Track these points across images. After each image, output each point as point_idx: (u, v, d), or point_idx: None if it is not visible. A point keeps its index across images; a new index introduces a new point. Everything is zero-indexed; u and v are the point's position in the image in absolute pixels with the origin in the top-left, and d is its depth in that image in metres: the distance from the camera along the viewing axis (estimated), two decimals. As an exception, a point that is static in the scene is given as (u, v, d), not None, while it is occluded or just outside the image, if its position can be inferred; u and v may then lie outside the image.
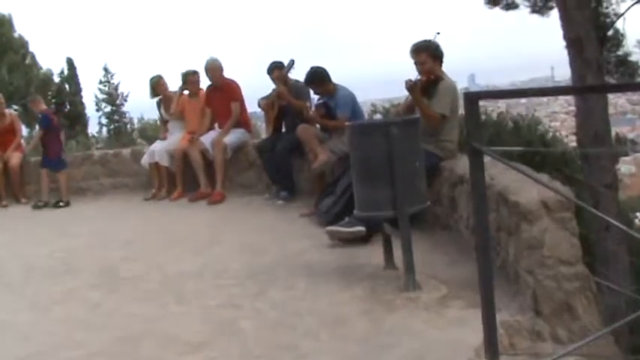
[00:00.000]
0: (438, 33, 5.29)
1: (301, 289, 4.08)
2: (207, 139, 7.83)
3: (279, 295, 4.03)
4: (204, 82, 8.14)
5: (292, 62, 7.03)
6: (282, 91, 7.07)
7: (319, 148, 6.41)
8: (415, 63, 5.41)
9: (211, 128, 8.16)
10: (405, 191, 3.84)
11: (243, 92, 8.03)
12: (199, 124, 8.08)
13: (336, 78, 6.70)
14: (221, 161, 7.67)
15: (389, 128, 3.85)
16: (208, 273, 4.67)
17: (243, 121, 8.01)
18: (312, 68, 6.62)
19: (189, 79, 8.22)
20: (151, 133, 12.68)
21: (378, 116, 6.97)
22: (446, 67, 5.49)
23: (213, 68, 7.87)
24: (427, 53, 5.31)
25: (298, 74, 7.09)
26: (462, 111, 5.92)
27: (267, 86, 7.57)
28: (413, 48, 5.40)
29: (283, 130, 7.49)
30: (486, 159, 2.57)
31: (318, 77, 6.57)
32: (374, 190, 3.94)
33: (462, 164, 4.93)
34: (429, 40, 5.36)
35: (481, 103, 2.67)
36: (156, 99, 8.65)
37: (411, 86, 5.20)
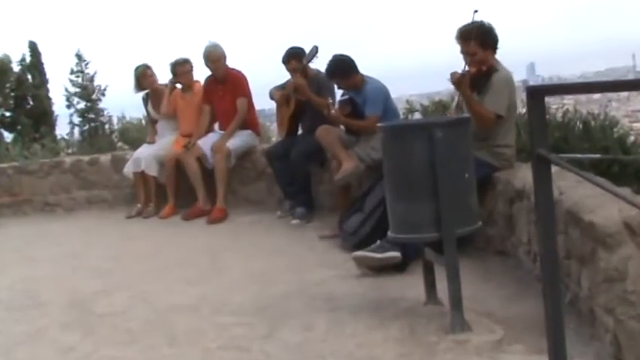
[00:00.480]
0: (476, 11, 5.27)
1: (322, 329, 4.09)
2: (205, 143, 7.90)
3: (295, 335, 4.04)
4: (203, 74, 8.23)
5: (315, 50, 7.01)
6: (301, 85, 7.08)
7: (344, 155, 6.42)
8: (462, 52, 5.43)
9: (211, 130, 8.23)
10: (451, 208, 3.85)
11: (251, 86, 8.10)
12: (196, 125, 8.16)
13: (364, 69, 6.74)
14: (223, 170, 7.73)
15: (431, 130, 3.86)
16: (207, 308, 4.69)
17: (250, 121, 8.07)
18: (334, 57, 6.62)
19: (179, 69, 8.30)
20: (135, 135, 12.72)
21: (416, 115, 6.95)
22: (500, 55, 5.51)
23: (215, 56, 7.93)
24: (477, 40, 5.32)
25: (320, 64, 7.10)
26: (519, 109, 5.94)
27: (282, 80, 7.62)
28: (459, 34, 5.41)
29: (300, 132, 7.54)
30: (552, 169, 2.57)
31: (342, 68, 6.58)
32: (412, 207, 3.95)
33: (520, 175, 4.94)
34: (479, 23, 5.36)
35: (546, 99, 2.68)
36: (141, 93, 8.74)
37: (457, 79, 5.21)
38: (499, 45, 5.47)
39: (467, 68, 5.31)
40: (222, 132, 8.05)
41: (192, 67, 8.33)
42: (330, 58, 6.65)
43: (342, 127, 6.77)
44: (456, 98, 5.78)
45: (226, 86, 7.95)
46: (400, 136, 4.08)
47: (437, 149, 3.82)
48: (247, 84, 8.06)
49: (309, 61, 7.09)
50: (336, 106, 6.68)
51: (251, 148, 8.08)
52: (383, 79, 6.76)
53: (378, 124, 4.45)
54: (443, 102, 8.16)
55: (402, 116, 7.47)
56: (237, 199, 8.03)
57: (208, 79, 8.16)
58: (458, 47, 5.45)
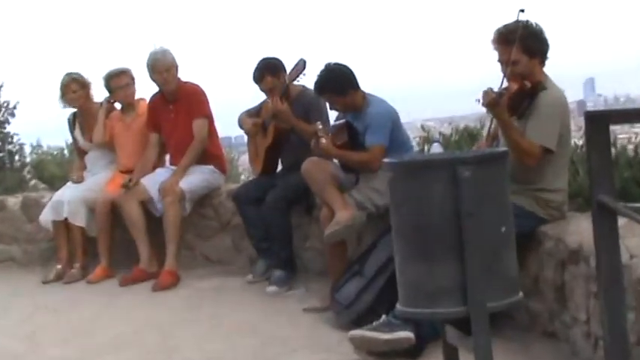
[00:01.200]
0: (522, 10, 5.28)
1: None
2: (152, 182, 7.86)
3: None
4: (149, 90, 8.25)
5: (303, 65, 6.93)
6: (282, 111, 7.05)
7: (338, 200, 6.37)
8: (500, 60, 5.44)
9: (159, 164, 8.22)
10: (481, 274, 3.83)
11: (212, 106, 8.12)
12: (139, 158, 8.15)
13: (367, 88, 6.72)
14: (175, 219, 7.68)
15: (456, 168, 3.86)
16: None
17: (212, 152, 8.06)
18: (327, 66, 6.58)
19: (114, 83, 8.27)
20: (55, 170, 12.71)
21: (435, 148, 6.87)
22: (549, 69, 5.53)
23: (163, 65, 7.87)
24: (521, 44, 5.32)
25: (308, 81, 7.04)
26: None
27: (255, 101, 7.62)
28: (498, 36, 5.41)
29: (279, 168, 7.57)
30: (619, 221, 2.57)
31: (337, 81, 6.52)
32: (430, 271, 3.93)
33: (575, 230, 4.94)
34: (524, 22, 5.38)
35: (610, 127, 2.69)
36: (68, 112, 8.72)
37: (492, 100, 5.17)
38: (549, 55, 5.49)
39: (505, 85, 5.30)
40: (174, 167, 8.03)
41: (132, 79, 8.30)
42: (320, 69, 6.61)
43: (335, 161, 6.75)
44: (489, 125, 5.78)
45: (179, 105, 7.93)
46: (414, 176, 4.06)
47: (463, 194, 3.81)
48: (207, 101, 8.04)
49: (294, 79, 7.07)
50: (329, 133, 6.59)
51: (213, 190, 8.07)
52: (391, 100, 6.77)
53: (385, 160, 4.40)
54: (469, 129, 8.18)
55: (415, 148, 7.47)
56: (193, 257, 8.01)
57: (155, 98, 8.16)
58: (494, 55, 5.47)
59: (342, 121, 6.68)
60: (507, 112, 5.22)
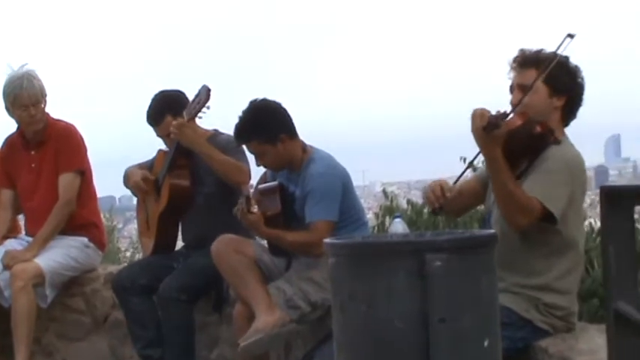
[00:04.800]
0: (571, 36, 5.16)
1: None
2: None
3: None
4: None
5: (206, 93, 6.78)
6: (182, 127, 6.88)
7: (260, 298, 6.31)
8: (513, 87, 5.41)
9: (10, 235, 8.15)
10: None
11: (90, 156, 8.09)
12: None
13: (308, 138, 6.69)
14: (28, 313, 7.56)
15: (424, 256, 3.86)
16: None
17: (85, 218, 8.03)
18: (251, 105, 6.56)
19: None
20: None
21: (396, 226, 6.67)
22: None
23: (31, 97, 7.69)
24: (542, 72, 5.19)
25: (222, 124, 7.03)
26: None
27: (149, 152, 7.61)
28: (520, 55, 5.36)
29: (179, 245, 7.60)
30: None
31: (266, 125, 6.48)
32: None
33: (585, 349, 4.99)
34: (560, 56, 5.28)
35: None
36: None
37: (490, 123, 4.96)
38: (578, 113, 5.50)
39: (509, 115, 5.13)
40: (29, 238, 7.99)
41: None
42: (243, 109, 6.54)
43: (259, 238, 6.70)
44: (461, 172, 5.64)
45: (44, 153, 7.90)
46: (365, 264, 4.05)
47: (433, 292, 3.82)
48: (83, 148, 8.00)
49: (196, 114, 6.91)
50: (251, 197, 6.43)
51: (85, 272, 8.05)
52: (340, 156, 6.73)
53: (326, 241, 4.28)
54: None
55: (371, 222, 7.47)
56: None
57: (10, 139, 8.14)
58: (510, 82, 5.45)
59: (273, 183, 6.67)
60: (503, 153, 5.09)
